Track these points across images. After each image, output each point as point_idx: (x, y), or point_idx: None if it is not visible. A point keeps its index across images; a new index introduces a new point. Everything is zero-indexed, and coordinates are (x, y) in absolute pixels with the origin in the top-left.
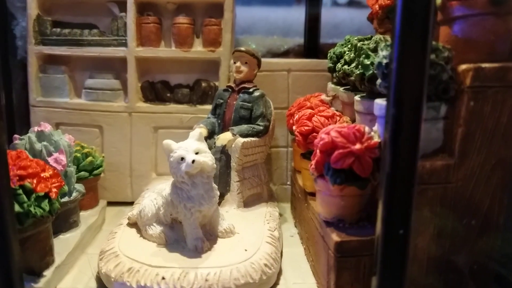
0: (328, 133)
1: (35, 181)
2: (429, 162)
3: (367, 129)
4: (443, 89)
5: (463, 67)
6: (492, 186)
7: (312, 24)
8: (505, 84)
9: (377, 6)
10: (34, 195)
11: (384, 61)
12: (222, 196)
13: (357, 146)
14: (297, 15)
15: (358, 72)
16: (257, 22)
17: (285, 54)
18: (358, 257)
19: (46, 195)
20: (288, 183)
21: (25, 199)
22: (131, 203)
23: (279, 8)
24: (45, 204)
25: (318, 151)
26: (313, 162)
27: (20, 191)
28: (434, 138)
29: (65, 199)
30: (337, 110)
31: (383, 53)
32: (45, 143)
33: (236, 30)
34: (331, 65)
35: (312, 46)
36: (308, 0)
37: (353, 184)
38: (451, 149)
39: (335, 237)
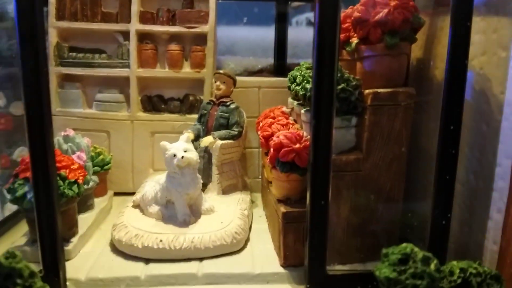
0: (278, 137)
1: (67, 171)
2: (345, 156)
3: (305, 133)
4: (352, 106)
5: (366, 91)
6: (391, 174)
7: (281, 46)
8: (395, 103)
9: None
10: (67, 181)
11: None
12: (205, 185)
13: (297, 145)
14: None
15: (302, 92)
16: (239, 41)
17: (259, 72)
18: (299, 223)
19: (75, 181)
20: (260, 176)
21: (61, 183)
22: (132, 194)
23: (260, 27)
24: (75, 188)
25: (271, 149)
26: (268, 157)
27: (58, 178)
28: (348, 140)
29: (84, 186)
30: (294, 119)
31: None
32: (70, 144)
33: (220, 49)
34: (289, 84)
35: (281, 65)
36: (276, 25)
37: (295, 172)
38: (360, 147)
39: (282, 209)
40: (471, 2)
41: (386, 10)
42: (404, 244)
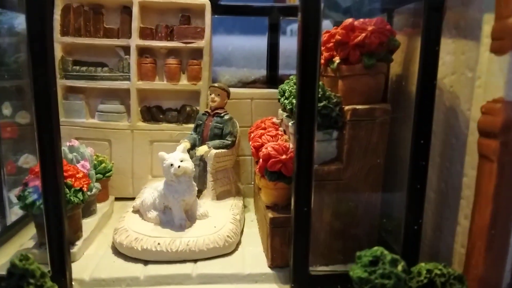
0: (266, 148)
1: (73, 180)
2: (327, 166)
3: (291, 145)
4: (333, 122)
5: (346, 107)
6: (369, 182)
7: (273, 58)
8: (372, 118)
9: (322, 59)
10: (72, 189)
11: None
12: (200, 192)
13: (284, 156)
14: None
15: (289, 107)
16: (235, 50)
17: (253, 83)
18: (284, 227)
19: (80, 189)
20: (252, 182)
21: (68, 191)
22: (132, 198)
23: (255, 37)
24: (80, 195)
25: (261, 160)
26: (258, 166)
27: (64, 186)
28: (330, 152)
29: (88, 193)
30: (283, 130)
31: None
32: (75, 154)
33: (216, 58)
34: (279, 97)
35: (273, 76)
36: (269, 38)
37: (282, 181)
38: (341, 158)
39: (270, 215)
40: (440, 30)
41: (363, 34)
42: (375, 248)
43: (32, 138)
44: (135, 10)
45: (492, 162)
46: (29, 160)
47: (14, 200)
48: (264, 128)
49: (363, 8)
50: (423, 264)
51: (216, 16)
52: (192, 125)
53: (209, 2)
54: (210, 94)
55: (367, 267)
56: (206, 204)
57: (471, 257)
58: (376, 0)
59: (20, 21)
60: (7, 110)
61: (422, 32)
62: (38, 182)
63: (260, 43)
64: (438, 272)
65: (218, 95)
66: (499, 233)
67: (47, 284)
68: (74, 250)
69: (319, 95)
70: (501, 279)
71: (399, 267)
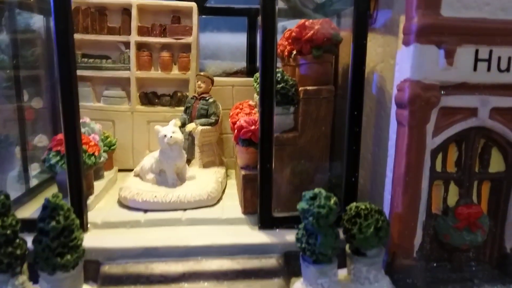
0: (239, 121)
1: (87, 146)
2: (286, 134)
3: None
4: (290, 99)
5: (300, 88)
6: (319, 147)
7: (252, 52)
8: (319, 97)
9: (286, 51)
10: (87, 153)
11: None
12: (189, 161)
13: (253, 127)
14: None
15: (258, 90)
16: (223, 46)
17: (235, 73)
18: (254, 182)
19: (93, 154)
20: (235, 156)
21: (83, 155)
22: (133, 170)
23: (242, 34)
24: (92, 158)
25: (236, 130)
26: (234, 136)
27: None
28: (288, 123)
29: (98, 159)
30: (258, 110)
31: None
32: (87, 128)
33: (206, 53)
34: (254, 83)
35: (252, 67)
36: (248, 35)
37: (252, 146)
38: (297, 128)
39: (243, 172)
40: (366, 28)
41: (312, 32)
42: (316, 188)
43: (45, 120)
44: (134, 12)
45: (404, 126)
46: (42, 140)
47: (32, 173)
48: (241, 109)
49: (324, 9)
50: (354, 203)
51: (202, 16)
52: (182, 108)
53: (196, 5)
54: (197, 81)
55: (308, 201)
56: (194, 171)
57: (393, 200)
58: (329, 5)
59: (35, 20)
60: (24, 96)
61: (353, 29)
62: (59, 148)
63: (242, 39)
64: (363, 207)
65: (204, 82)
66: (412, 180)
67: (72, 216)
68: (88, 202)
69: (279, 79)
70: (416, 217)
71: (332, 201)
